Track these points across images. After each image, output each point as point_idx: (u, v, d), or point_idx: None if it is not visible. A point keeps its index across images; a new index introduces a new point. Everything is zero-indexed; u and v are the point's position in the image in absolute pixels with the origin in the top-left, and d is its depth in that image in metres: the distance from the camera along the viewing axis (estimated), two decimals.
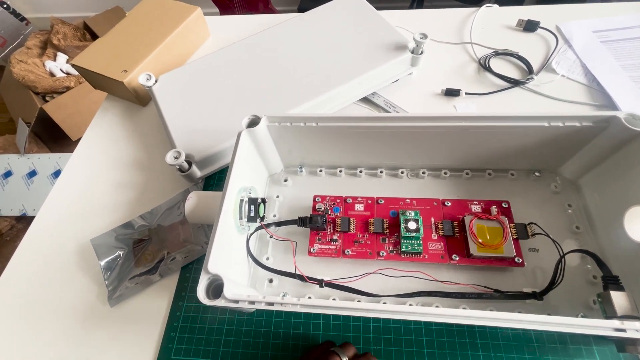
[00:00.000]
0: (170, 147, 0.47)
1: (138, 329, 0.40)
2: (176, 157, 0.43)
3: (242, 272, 0.38)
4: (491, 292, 0.35)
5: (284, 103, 0.50)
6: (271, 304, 0.28)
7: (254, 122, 0.39)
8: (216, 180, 0.49)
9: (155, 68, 0.58)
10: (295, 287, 0.38)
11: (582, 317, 0.34)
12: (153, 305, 0.41)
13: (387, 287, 0.37)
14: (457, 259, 0.36)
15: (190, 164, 0.46)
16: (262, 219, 0.38)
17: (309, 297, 0.38)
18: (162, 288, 0.42)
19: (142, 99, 0.59)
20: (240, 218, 0.35)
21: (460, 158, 0.43)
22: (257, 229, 0.40)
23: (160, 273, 0.42)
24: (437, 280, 0.36)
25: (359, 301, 0.36)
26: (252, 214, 0.36)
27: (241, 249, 0.38)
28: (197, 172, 0.47)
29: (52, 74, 1.39)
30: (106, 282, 0.42)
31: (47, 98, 1.33)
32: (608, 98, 0.51)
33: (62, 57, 1.45)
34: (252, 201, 0.36)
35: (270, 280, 0.39)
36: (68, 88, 1.31)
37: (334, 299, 0.37)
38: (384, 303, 0.36)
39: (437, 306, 0.36)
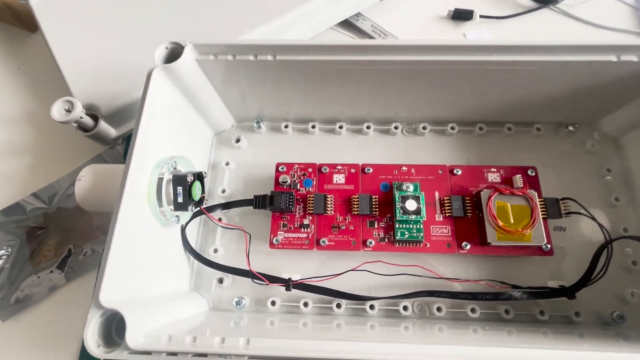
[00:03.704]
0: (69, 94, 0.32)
1: (43, 351, 0.29)
2: (68, 110, 0.29)
3: (178, 273, 0.28)
4: (509, 289, 0.27)
5: (230, 26, 0.35)
6: (204, 355, 0.18)
7: (174, 54, 0.25)
8: None
9: None
10: (255, 288, 0.29)
11: (617, 316, 0.27)
12: (64, 318, 0.30)
13: (377, 285, 0.29)
14: (468, 247, 0.27)
15: (96, 119, 0.32)
16: (201, 201, 0.26)
17: (272, 303, 0.28)
18: (74, 293, 0.31)
19: (26, 20, 0.41)
20: (161, 206, 0.23)
21: (472, 107, 0.32)
22: (197, 214, 0.28)
23: (66, 274, 0.30)
24: (442, 278, 0.27)
25: (338, 305, 0.27)
26: (180, 200, 0.24)
27: (171, 245, 0.27)
28: (111, 131, 0.33)
29: None
30: None
31: None
32: None
33: None
34: (179, 180, 0.24)
35: (221, 280, 0.29)
36: None
37: (306, 304, 0.28)
38: (371, 307, 0.27)
39: (438, 308, 0.27)
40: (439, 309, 0.27)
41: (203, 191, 0.27)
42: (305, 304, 0.28)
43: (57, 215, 0.32)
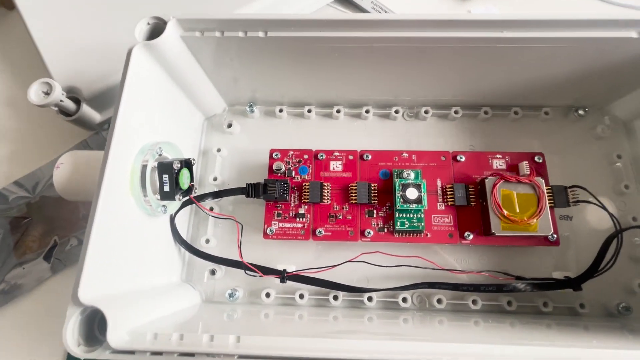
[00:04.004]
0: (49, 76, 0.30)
1: (32, 342, 0.28)
2: (46, 93, 0.27)
3: (167, 264, 0.27)
4: (513, 281, 0.26)
5: (222, 2, 0.32)
6: (191, 354, 0.17)
7: (157, 31, 0.23)
8: None
9: None
10: (249, 279, 0.28)
11: (623, 308, 0.26)
12: (52, 309, 0.29)
13: (375, 277, 0.27)
14: (471, 237, 0.26)
15: (78, 102, 0.30)
16: (190, 190, 0.25)
17: (267, 295, 0.27)
18: (62, 285, 0.30)
19: None
20: (146, 195, 0.22)
21: (477, 89, 0.30)
22: (186, 203, 0.27)
23: (53, 265, 0.29)
24: (444, 269, 0.26)
25: (335, 297, 0.26)
26: (166, 188, 0.22)
27: (159, 236, 0.25)
28: (95, 116, 0.32)
29: None
30: None
31: None
32: None
33: None
34: (164, 168, 0.22)
35: (213, 272, 0.28)
36: None
37: (301, 295, 0.27)
38: (369, 299, 0.26)
39: (439, 300, 0.27)
40: (439, 301, 0.27)
41: (192, 179, 0.25)
42: (301, 296, 0.27)
43: (41, 205, 0.30)
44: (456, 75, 0.28)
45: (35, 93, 0.27)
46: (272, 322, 0.26)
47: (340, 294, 0.27)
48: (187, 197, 0.25)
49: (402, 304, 0.27)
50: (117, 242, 0.20)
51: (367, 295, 0.27)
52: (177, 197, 0.23)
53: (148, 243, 0.24)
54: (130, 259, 0.22)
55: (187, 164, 0.24)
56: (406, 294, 0.27)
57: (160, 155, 0.23)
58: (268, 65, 0.27)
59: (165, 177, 0.22)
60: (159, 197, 0.23)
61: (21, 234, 0.30)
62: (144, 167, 0.22)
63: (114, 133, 0.20)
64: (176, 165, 0.23)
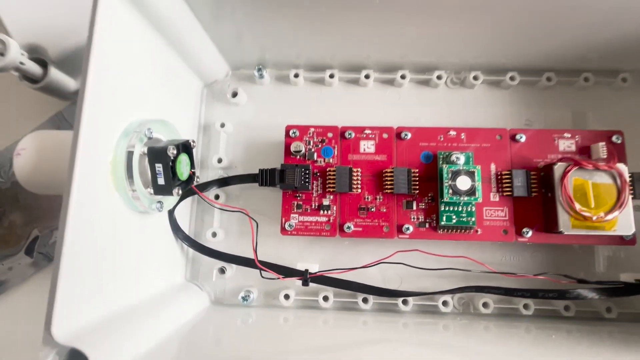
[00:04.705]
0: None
1: (21, 343, 0.25)
2: (0, 53, 0.21)
3: (168, 265, 0.23)
4: (575, 285, 0.22)
5: None
6: None
7: None
8: None
9: None
10: (265, 279, 0.24)
11: None
12: (40, 308, 0.26)
13: (411, 276, 0.24)
14: (530, 235, 0.22)
15: (45, 65, 0.24)
16: (191, 179, 0.20)
17: (286, 297, 0.23)
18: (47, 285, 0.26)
19: None
20: (134, 190, 0.17)
21: (539, 49, 0.24)
22: (187, 194, 0.22)
23: (36, 261, 0.25)
24: (495, 272, 0.22)
25: (365, 300, 0.23)
26: (161, 181, 0.18)
27: (156, 234, 0.21)
28: (68, 82, 0.26)
29: None
30: None
31: None
32: None
33: None
34: (157, 155, 0.17)
35: (222, 270, 0.24)
36: None
37: (326, 298, 0.23)
38: (404, 302, 0.23)
39: (485, 304, 0.23)
40: (485, 305, 0.23)
41: (192, 165, 0.20)
42: (325, 298, 0.23)
43: (14, 192, 0.25)
44: (516, 29, 0.22)
45: None
46: (292, 327, 0.23)
47: (371, 296, 0.23)
48: (189, 187, 0.21)
49: (442, 308, 0.23)
50: (101, 252, 0.16)
51: (402, 297, 0.23)
52: (174, 190, 0.18)
53: (142, 245, 0.19)
54: (120, 269, 0.17)
55: (186, 147, 0.19)
56: (447, 296, 0.23)
57: (150, 138, 0.18)
58: (280, 15, 0.21)
59: (159, 167, 0.17)
60: (151, 191, 0.18)
61: None
62: (130, 154, 0.17)
63: (83, 110, 0.15)
64: (172, 152, 0.17)
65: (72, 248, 0.14)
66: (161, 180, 0.18)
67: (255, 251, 0.21)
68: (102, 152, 0.16)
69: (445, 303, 0.23)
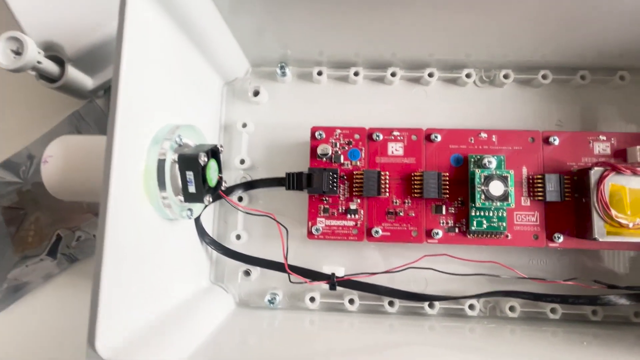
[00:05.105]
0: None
1: (45, 342, 0.26)
2: (17, 52, 0.21)
3: (193, 270, 0.22)
4: (606, 290, 0.22)
5: None
6: None
7: None
8: None
9: None
10: (288, 280, 0.24)
11: None
12: (64, 307, 0.26)
13: (438, 280, 0.23)
14: (561, 240, 0.22)
15: (62, 64, 0.23)
16: (219, 184, 0.20)
17: (312, 299, 0.23)
18: (72, 281, 0.26)
19: None
20: (165, 198, 0.17)
21: (574, 45, 0.23)
22: (216, 198, 0.21)
23: (59, 262, 0.25)
24: (525, 277, 0.22)
25: (391, 303, 0.23)
26: (192, 189, 0.17)
27: (181, 240, 0.21)
28: (86, 80, 0.25)
29: None
30: None
31: None
32: None
33: None
34: (188, 162, 0.17)
35: (247, 273, 0.24)
36: None
37: (351, 301, 0.23)
38: (431, 305, 0.23)
39: (511, 308, 0.23)
40: (511, 308, 0.23)
41: (220, 170, 0.20)
42: (351, 301, 0.23)
43: (35, 193, 0.25)
44: (550, 25, 0.21)
45: (2, 53, 0.20)
46: (318, 330, 0.23)
47: (397, 299, 0.23)
48: (216, 193, 0.20)
49: (468, 312, 0.23)
50: (136, 262, 0.16)
51: (427, 302, 0.23)
52: (205, 198, 0.18)
53: (171, 252, 0.19)
54: (153, 278, 0.17)
55: (214, 153, 0.19)
56: (473, 301, 0.23)
57: (179, 145, 0.17)
58: (303, 10, 0.20)
59: (190, 175, 0.17)
60: (182, 198, 0.17)
61: (17, 227, 0.25)
62: (161, 161, 0.16)
63: (116, 117, 0.14)
64: (203, 160, 0.17)
65: (110, 260, 0.14)
66: (192, 188, 0.17)
67: (286, 258, 0.21)
68: (135, 160, 0.16)
69: (471, 306, 0.23)
